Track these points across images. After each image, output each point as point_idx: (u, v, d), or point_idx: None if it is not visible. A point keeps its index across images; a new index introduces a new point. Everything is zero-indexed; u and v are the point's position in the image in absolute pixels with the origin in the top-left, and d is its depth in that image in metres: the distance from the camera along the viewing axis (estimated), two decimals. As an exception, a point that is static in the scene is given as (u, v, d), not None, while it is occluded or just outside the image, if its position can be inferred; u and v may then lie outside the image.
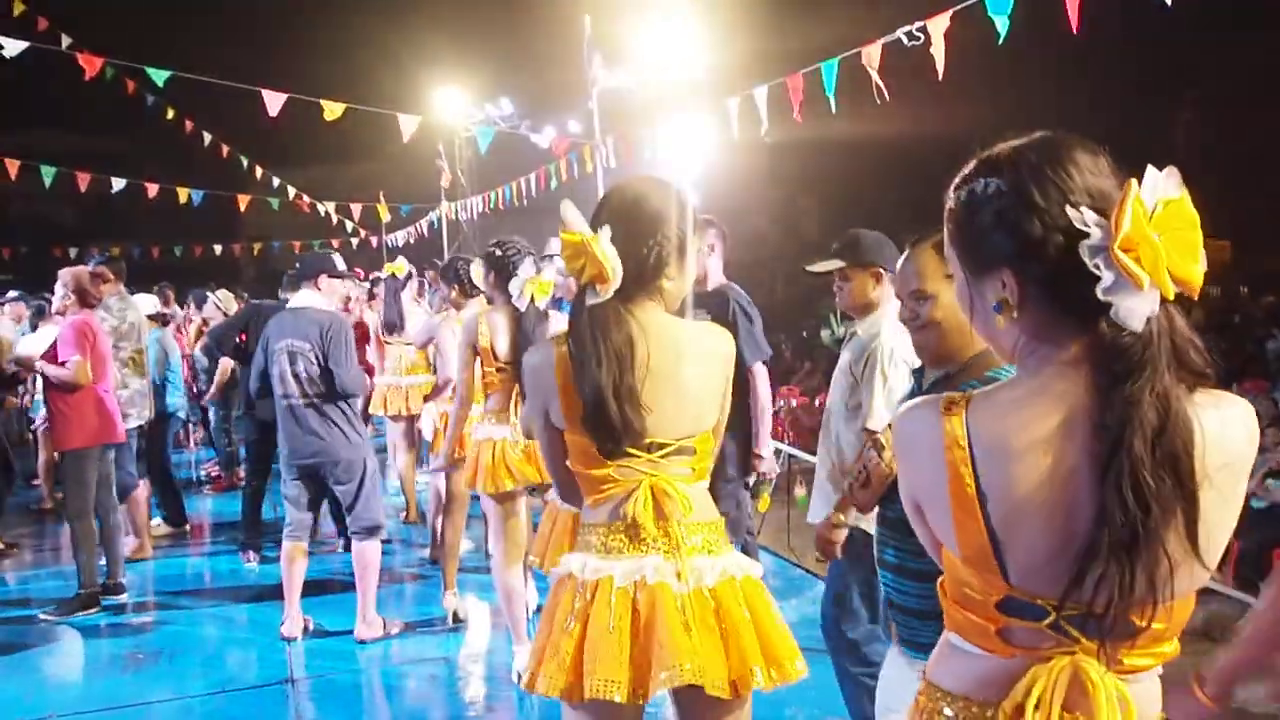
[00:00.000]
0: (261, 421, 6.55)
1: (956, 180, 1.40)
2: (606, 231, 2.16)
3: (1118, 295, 1.22)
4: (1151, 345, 1.23)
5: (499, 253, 4.53)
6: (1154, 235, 1.21)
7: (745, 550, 4.69)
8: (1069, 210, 1.26)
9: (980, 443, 1.29)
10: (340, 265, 5.41)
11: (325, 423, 5.10)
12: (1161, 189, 1.25)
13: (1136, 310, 1.22)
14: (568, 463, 2.32)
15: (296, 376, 5.07)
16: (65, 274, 5.85)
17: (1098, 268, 1.22)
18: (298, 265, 5.66)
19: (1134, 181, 1.24)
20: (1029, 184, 1.30)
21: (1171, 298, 1.24)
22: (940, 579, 1.42)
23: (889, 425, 2.32)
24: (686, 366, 2.20)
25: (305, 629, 5.32)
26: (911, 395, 2.39)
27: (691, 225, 2.28)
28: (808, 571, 6.20)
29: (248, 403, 6.82)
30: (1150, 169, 1.26)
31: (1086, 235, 1.24)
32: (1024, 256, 1.30)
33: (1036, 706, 1.27)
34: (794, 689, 4.26)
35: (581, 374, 2.16)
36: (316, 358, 5.05)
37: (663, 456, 2.19)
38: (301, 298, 5.26)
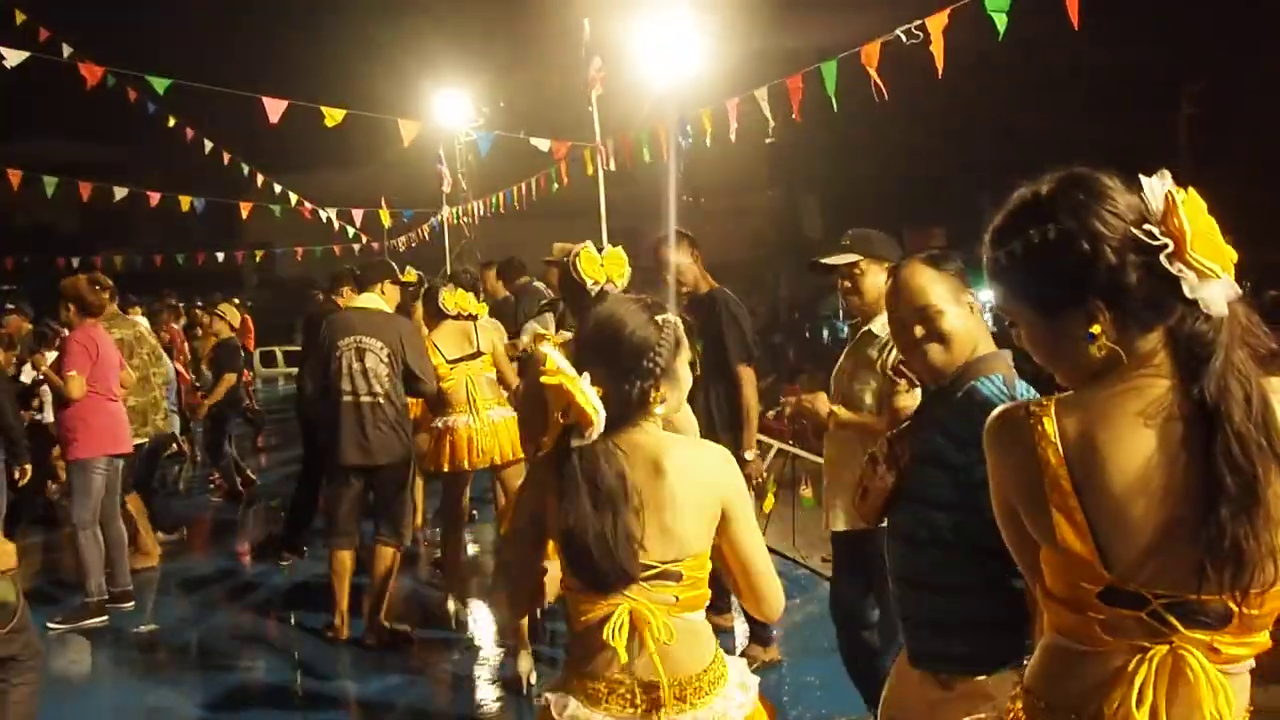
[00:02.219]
0: (312, 422, 6.55)
1: (998, 234, 1.49)
2: (586, 378, 2.06)
3: (1201, 290, 1.34)
4: (1224, 327, 1.36)
5: None
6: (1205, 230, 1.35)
7: None
8: (1134, 231, 1.37)
9: (1072, 439, 1.38)
10: (398, 275, 5.56)
11: (389, 423, 5.12)
12: (1171, 189, 1.37)
13: (1219, 297, 1.35)
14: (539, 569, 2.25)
15: (365, 374, 5.07)
16: (64, 284, 5.86)
17: (1180, 271, 1.34)
18: (357, 271, 5.75)
19: (1174, 190, 1.37)
20: (1092, 220, 1.39)
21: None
22: (1038, 581, 1.47)
23: (886, 437, 2.30)
24: (672, 489, 2.09)
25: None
26: (918, 411, 2.39)
27: (676, 345, 2.18)
28: (813, 572, 6.20)
29: (299, 406, 6.86)
30: (1144, 179, 1.39)
31: (1152, 250, 1.35)
32: (1109, 284, 1.39)
33: (1139, 698, 1.33)
34: (801, 688, 4.29)
35: (572, 517, 2.07)
36: (391, 358, 5.09)
37: (645, 580, 2.08)
38: (366, 300, 5.30)
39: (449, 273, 7.61)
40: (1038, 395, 2.13)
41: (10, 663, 3.57)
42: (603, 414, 2.06)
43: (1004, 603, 2.05)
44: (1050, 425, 1.39)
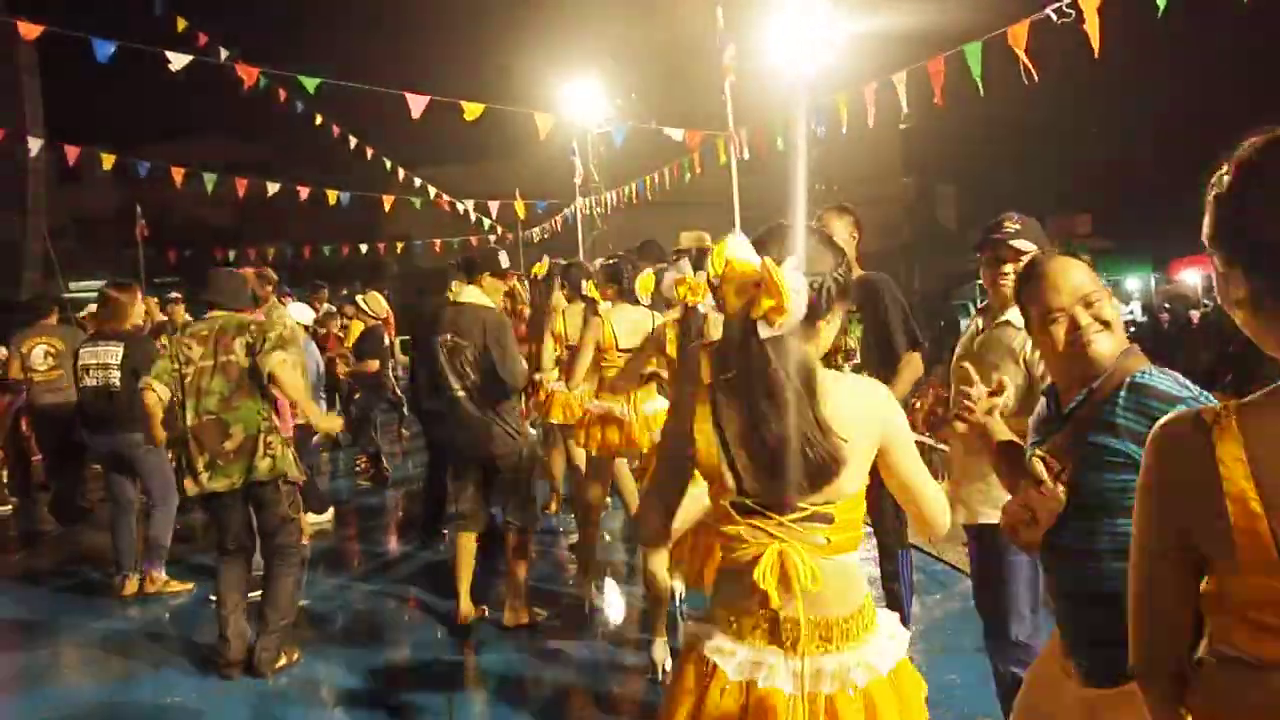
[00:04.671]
0: (430, 414, 6.75)
1: (1217, 169, 1.37)
2: (792, 262, 2.00)
3: None
4: None
5: None
6: None
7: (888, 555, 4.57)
8: None
9: (1261, 457, 1.25)
10: (505, 263, 5.52)
11: (485, 417, 5.21)
12: None
13: None
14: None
15: (456, 371, 5.20)
16: None
17: None
18: (461, 261, 5.76)
19: None
20: (1246, 184, 1.28)
21: None
22: (1206, 591, 1.37)
23: (1038, 455, 2.19)
24: (839, 424, 2.01)
25: (482, 615, 5.45)
26: (1051, 420, 2.27)
27: (849, 273, 2.13)
28: (953, 567, 6.04)
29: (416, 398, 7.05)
30: None
31: None
32: (1255, 259, 1.28)
33: None
34: (940, 689, 4.19)
35: (749, 415, 2.02)
36: (476, 354, 5.17)
37: (795, 521, 2.03)
38: (465, 293, 5.37)
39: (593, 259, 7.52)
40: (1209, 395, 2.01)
41: (286, 549, 4.90)
42: (802, 305, 1.99)
43: None
44: (1234, 439, 1.26)
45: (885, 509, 4.31)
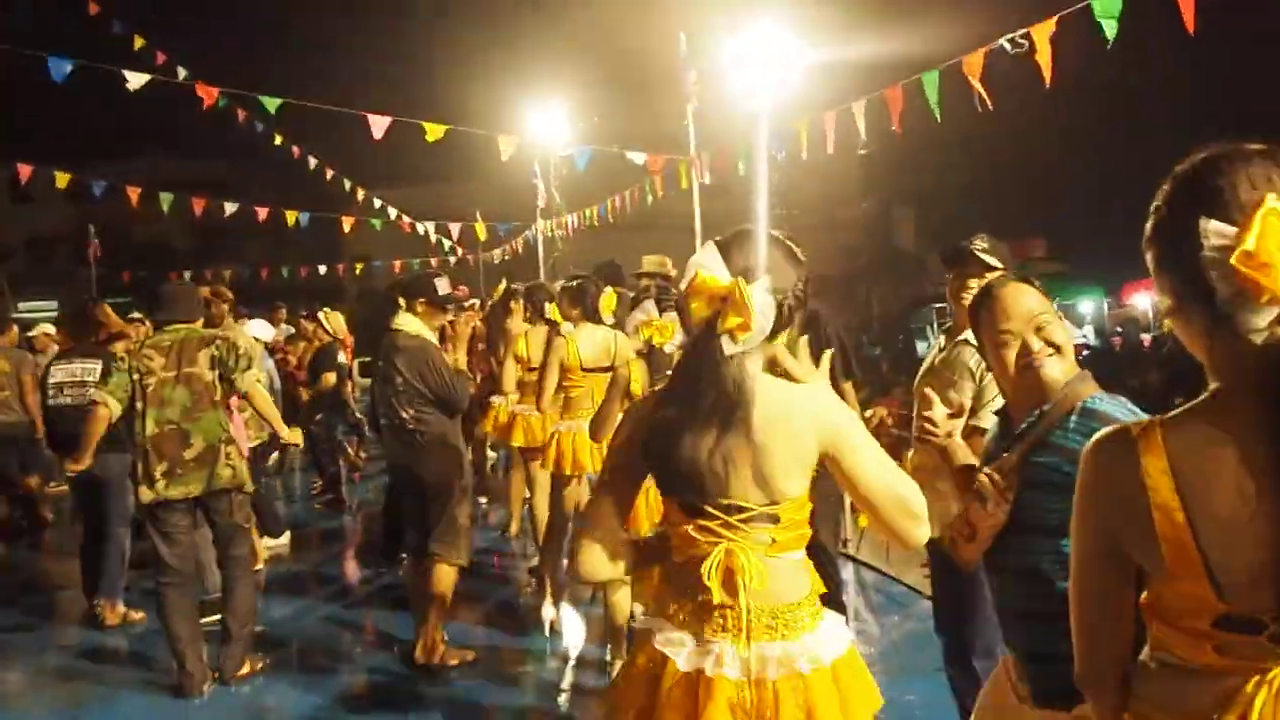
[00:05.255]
0: (381, 438, 6.70)
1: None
2: (764, 283, 2.06)
3: (1237, 309, 1.24)
4: None
5: None
6: None
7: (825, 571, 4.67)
8: (1201, 221, 1.26)
9: (1183, 469, 1.30)
10: (443, 289, 5.39)
11: (415, 443, 5.10)
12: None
13: (1253, 323, 1.24)
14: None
15: (390, 399, 5.11)
16: None
17: (1214, 279, 1.24)
18: (398, 285, 5.66)
19: (1272, 195, 1.23)
20: (1176, 193, 1.33)
21: None
22: (1143, 600, 1.41)
23: (986, 472, 2.22)
24: (762, 432, 2.06)
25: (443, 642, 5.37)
26: (1002, 439, 2.30)
27: (808, 285, 2.20)
28: (909, 588, 6.09)
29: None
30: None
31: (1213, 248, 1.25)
32: (1180, 267, 1.31)
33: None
34: (900, 709, 4.21)
35: (674, 416, 2.09)
36: (404, 384, 5.04)
37: (743, 521, 2.08)
38: (399, 320, 5.23)
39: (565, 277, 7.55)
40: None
41: (242, 559, 5.02)
42: (766, 326, 2.05)
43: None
44: (1160, 456, 1.31)
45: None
